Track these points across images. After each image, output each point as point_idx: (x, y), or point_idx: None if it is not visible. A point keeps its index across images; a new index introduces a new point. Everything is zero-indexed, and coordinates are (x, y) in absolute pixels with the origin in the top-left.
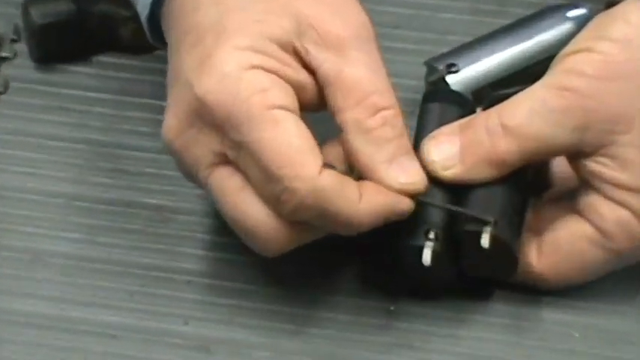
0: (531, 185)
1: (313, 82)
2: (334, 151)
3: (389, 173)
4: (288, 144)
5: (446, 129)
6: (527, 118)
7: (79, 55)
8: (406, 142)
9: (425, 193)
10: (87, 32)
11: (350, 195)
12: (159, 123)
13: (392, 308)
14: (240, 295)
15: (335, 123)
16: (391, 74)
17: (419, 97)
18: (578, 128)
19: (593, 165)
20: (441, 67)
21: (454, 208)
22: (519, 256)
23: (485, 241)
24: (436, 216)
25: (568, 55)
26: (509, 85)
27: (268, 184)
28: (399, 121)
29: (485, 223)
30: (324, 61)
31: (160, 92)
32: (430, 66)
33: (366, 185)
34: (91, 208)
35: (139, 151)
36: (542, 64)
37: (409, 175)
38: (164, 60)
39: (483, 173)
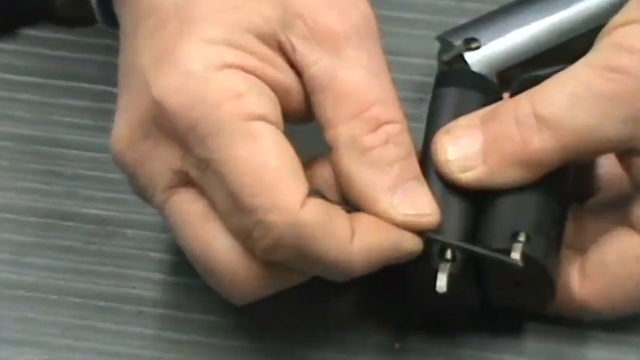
0: (572, 191)
1: (300, 86)
2: (323, 174)
3: (391, 203)
4: (266, 166)
5: (464, 120)
6: (566, 107)
7: (1, 28)
8: (413, 165)
9: (437, 229)
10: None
11: (340, 232)
12: (103, 114)
13: (397, 346)
14: (204, 329)
15: (325, 139)
16: (396, 52)
17: (430, 80)
18: (631, 119)
19: None
20: (458, 42)
21: (476, 248)
22: (557, 280)
23: (515, 260)
24: (453, 230)
25: (618, 26)
26: (544, 65)
27: (239, 214)
28: (405, 139)
29: (514, 240)
30: (315, 60)
31: (104, 74)
32: (444, 41)
33: (362, 219)
34: (18, 222)
35: (78, 149)
36: (584, 38)
37: (417, 206)
38: (110, 35)
39: (512, 176)
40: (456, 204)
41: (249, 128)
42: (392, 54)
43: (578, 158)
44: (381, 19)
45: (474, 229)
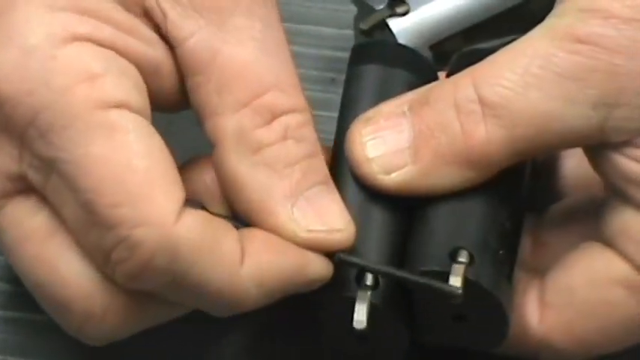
0: (528, 196)
1: (173, 64)
2: (205, 179)
3: (292, 216)
4: (129, 167)
5: (388, 106)
6: (519, 88)
7: None
8: (320, 166)
9: (352, 248)
10: None
11: (226, 253)
12: None
13: None
14: None
15: (205, 133)
16: (300, 19)
17: (345, 55)
18: (602, 102)
19: (626, 162)
20: (381, 5)
21: (402, 273)
22: (511, 311)
23: (455, 288)
24: (375, 249)
25: None
26: (490, 37)
27: (95, 230)
28: (309, 133)
29: (453, 260)
30: (192, 31)
31: None
32: (363, 4)
33: (254, 237)
34: None
35: None
36: (541, 1)
37: (325, 219)
38: None
39: (450, 177)
40: (378, 215)
41: (107, 119)
42: (294, 22)
43: (535, 154)
44: None
45: (402, 248)
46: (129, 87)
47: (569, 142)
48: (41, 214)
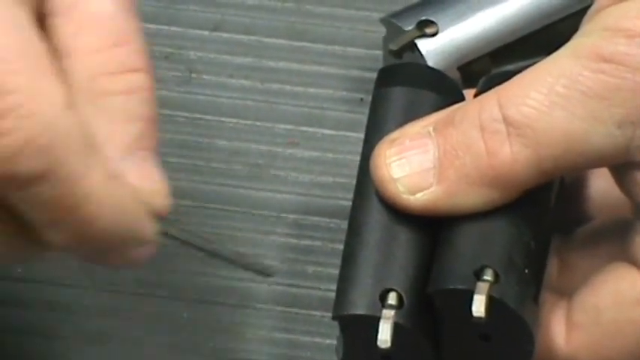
0: (555, 217)
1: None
2: None
3: (122, 167)
4: (26, 46)
5: (414, 127)
6: (544, 108)
7: None
8: (154, 135)
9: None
10: None
11: (99, 162)
12: None
13: None
14: None
15: None
16: (329, 39)
17: (373, 76)
18: (628, 121)
19: None
20: (410, 26)
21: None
22: (537, 331)
23: (478, 308)
24: (399, 269)
25: (608, 5)
26: (519, 58)
27: None
28: (152, 99)
29: (478, 278)
30: None
31: None
32: (392, 25)
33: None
34: None
35: None
36: (568, 23)
37: (149, 182)
38: None
39: (476, 198)
40: (403, 235)
41: (7, 4)
42: (323, 42)
43: (560, 174)
44: None
45: (427, 268)
46: None
47: (595, 162)
48: None
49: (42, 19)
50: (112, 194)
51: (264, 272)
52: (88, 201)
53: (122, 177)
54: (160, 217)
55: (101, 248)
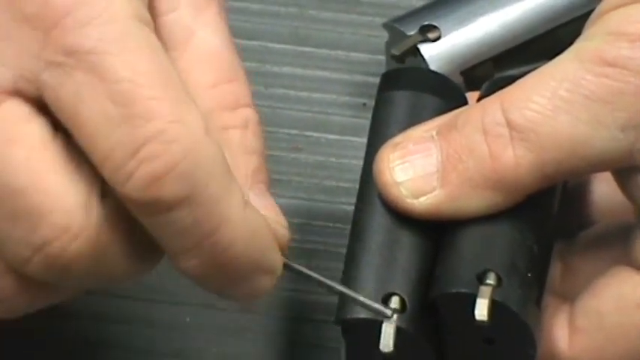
0: (558, 222)
1: None
2: None
3: (247, 200)
4: (168, 69)
5: (417, 131)
6: (547, 112)
7: None
8: (266, 168)
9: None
10: None
11: (237, 187)
12: None
13: None
14: None
15: None
16: (332, 44)
17: (376, 81)
18: (630, 125)
19: None
20: (412, 31)
21: (340, 288)
22: (539, 334)
23: (481, 311)
24: (402, 273)
25: (611, 9)
26: (522, 62)
27: (124, 125)
28: (262, 134)
29: (480, 282)
30: (175, 7)
31: None
32: (394, 30)
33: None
34: None
35: None
36: (572, 27)
37: (274, 213)
38: None
39: (479, 201)
40: (406, 239)
41: (142, 28)
42: (327, 48)
43: (564, 178)
44: (309, 2)
45: (430, 272)
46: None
47: (598, 166)
48: (37, 121)
49: None
50: (247, 220)
51: (385, 314)
52: (226, 226)
53: (253, 205)
54: (283, 247)
55: (232, 277)
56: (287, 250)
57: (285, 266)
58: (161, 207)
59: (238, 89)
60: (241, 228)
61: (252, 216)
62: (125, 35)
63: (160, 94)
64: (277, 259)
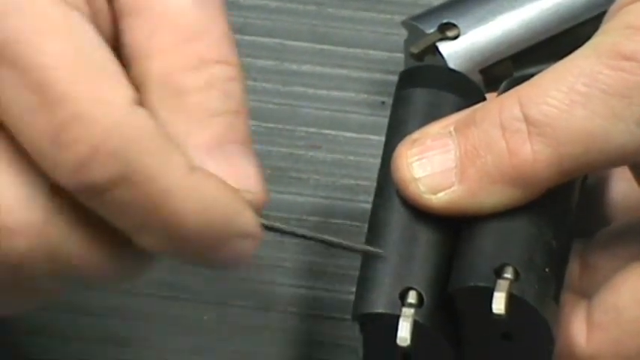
0: (577, 221)
1: (107, 8)
2: None
3: (207, 167)
4: (86, 52)
5: (435, 127)
6: (565, 106)
7: None
8: (243, 127)
9: (260, 213)
10: None
11: (176, 156)
12: None
13: None
14: None
15: (132, 77)
16: (351, 42)
17: (395, 79)
18: None
19: None
20: (431, 29)
21: (322, 237)
22: (557, 331)
23: (498, 305)
24: (420, 269)
25: (629, 3)
26: (541, 61)
27: (44, 111)
28: (238, 90)
29: (498, 276)
30: None
31: None
32: (413, 28)
33: (200, 167)
34: None
35: None
36: (591, 26)
37: (239, 178)
38: None
39: (497, 197)
40: (424, 235)
41: (61, 10)
42: (345, 45)
43: (581, 173)
44: (328, 0)
45: (448, 268)
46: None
47: (615, 160)
48: None
49: (115, 21)
50: (195, 190)
51: (376, 253)
52: (170, 199)
53: (207, 171)
54: (258, 209)
55: (199, 248)
56: (262, 210)
57: (266, 227)
58: (96, 190)
59: (204, 47)
60: (188, 199)
61: (201, 185)
62: (41, 21)
63: (75, 76)
64: (249, 222)
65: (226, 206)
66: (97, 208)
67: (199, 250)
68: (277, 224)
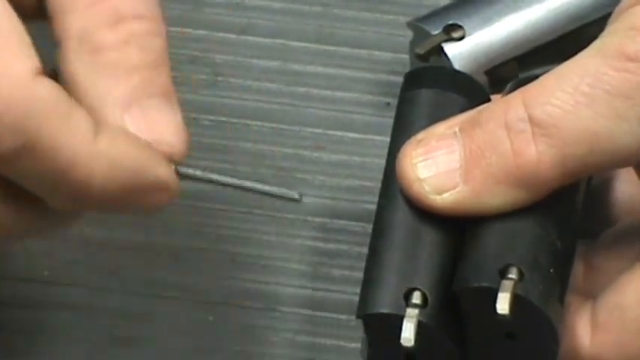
0: (582, 223)
1: None
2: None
3: (123, 122)
4: None
5: (440, 128)
6: (569, 107)
7: None
8: (163, 80)
9: (181, 162)
10: None
11: (82, 121)
12: None
13: None
14: None
15: (53, 35)
16: (356, 43)
17: (400, 80)
18: None
19: None
20: (437, 30)
21: (241, 182)
22: (561, 329)
23: (503, 305)
24: (424, 268)
25: (634, 5)
26: (546, 62)
27: None
28: (156, 44)
29: (503, 277)
30: None
31: None
32: (418, 29)
33: (108, 128)
34: None
35: None
36: (595, 26)
37: (155, 131)
38: None
39: (502, 197)
40: (428, 236)
41: None
42: (349, 46)
43: (586, 174)
44: (333, 1)
45: (452, 268)
46: None
47: (620, 161)
48: None
49: None
50: (102, 152)
51: (293, 197)
52: (76, 163)
53: (119, 130)
54: (176, 160)
55: (114, 205)
56: (179, 161)
57: (181, 175)
58: (0, 160)
59: (121, 3)
60: (95, 162)
61: (107, 147)
62: None
63: None
64: (164, 174)
65: (134, 164)
66: (6, 174)
67: (111, 206)
68: (191, 170)
